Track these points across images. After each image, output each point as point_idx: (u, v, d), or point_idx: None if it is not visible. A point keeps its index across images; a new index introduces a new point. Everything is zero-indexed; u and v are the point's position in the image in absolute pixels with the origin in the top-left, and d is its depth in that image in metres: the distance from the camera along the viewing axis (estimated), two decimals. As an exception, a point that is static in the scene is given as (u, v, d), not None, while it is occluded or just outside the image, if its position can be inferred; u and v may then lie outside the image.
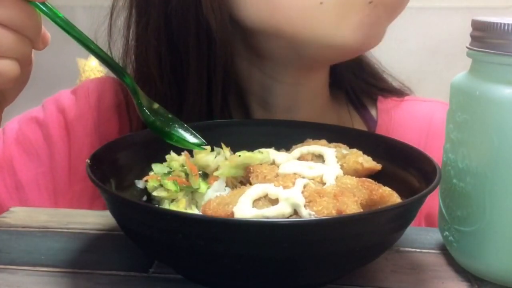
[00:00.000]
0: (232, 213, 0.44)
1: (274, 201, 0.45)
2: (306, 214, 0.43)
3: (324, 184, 0.48)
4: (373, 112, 0.79)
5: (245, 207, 0.44)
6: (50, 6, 0.49)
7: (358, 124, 0.77)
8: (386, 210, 0.44)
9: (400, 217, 0.44)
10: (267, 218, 0.43)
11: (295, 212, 0.44)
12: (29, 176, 0.71)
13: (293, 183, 0.46)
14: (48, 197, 0.72)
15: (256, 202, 0.45)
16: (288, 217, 0.44)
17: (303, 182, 0.46)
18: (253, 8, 0.63)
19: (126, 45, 0.70)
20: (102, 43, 0.67)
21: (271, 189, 0.45)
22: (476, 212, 0.47)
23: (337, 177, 0.49)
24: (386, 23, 0.65)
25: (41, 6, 0.49)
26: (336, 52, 0.65)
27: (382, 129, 0.76)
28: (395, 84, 0.81)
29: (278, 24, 0.62)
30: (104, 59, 0.53)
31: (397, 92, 0.81)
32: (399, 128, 0.76)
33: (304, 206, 0.44)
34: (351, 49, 0.65)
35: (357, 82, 0.79)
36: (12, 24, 0.47)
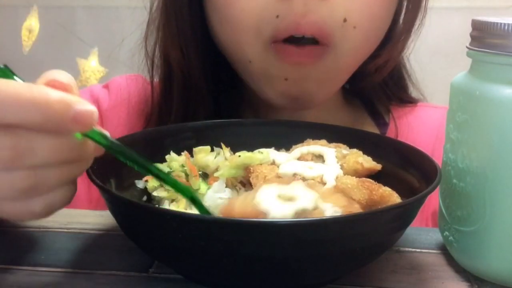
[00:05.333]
0: (262, 212, 0.43)
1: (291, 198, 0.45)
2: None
3: (324, 184, 0.48)
4: (386, 116, 0.80)
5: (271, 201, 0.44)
6: (98, 131, 0.42)
7: (371, 129, 0.78)
8: (386, 210, 0.44)
9: (400, 217, 0.44)
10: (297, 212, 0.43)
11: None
12: None
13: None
14: (81, 181, 0.73)
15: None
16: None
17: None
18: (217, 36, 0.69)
19: (154, 43, 0.74)
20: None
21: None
22: (476, 212, 0.47)
23: (337, 177, 0.49)
24: (324, 90, 0.67)
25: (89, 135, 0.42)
26: None
27: (392, 133, 0.77)
28: (413, 89, 0.82)
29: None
30: (166, 179, 0.46)
31: (412, 101, 0.81)
32: (410, 132, 0.77)
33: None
34: (284, 108, 0.69)
35: (377, 91, 0.80)
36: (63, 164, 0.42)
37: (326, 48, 0.63)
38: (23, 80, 0.42)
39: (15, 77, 0.42)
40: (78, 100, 0.40)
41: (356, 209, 0.45)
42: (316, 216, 0.43)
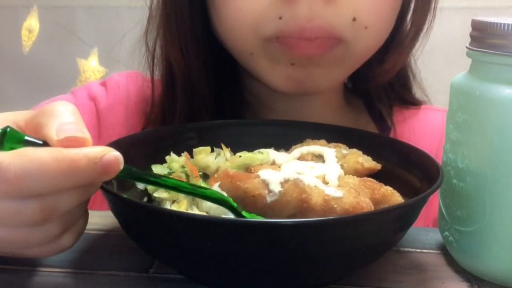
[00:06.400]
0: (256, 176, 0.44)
1: None
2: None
3: (327, 183, 0.48)
4: (388, 120, 0.79)
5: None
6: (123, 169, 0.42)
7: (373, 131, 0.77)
8: (389, 209, 0.44)
9: (404, 217, 0.44)
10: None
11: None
12: None
13: None
14: None
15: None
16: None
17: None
18: (217, 32, 0.68)
19: (155, 39, 0.73)
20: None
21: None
22: (476, 212, 0.47)
23: (339, 177, 0.49)
24: (331, 77, 0.66)
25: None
26: None
27: (395, 136, 0.77)
28: (417, 90, 0.81)
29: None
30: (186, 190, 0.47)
31: (415, 103, 0.81)
32: (413, 136, 0.76)
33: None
34: (289, 94, 0.68)
35: (380, 92, 0.79)
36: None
37: (338, 41, 0.62)
38: (31, 137, 0.41)
39: (26, 137, 0.41)
40: (101, 151, 0.40)
41: (366, 201, 0.45)
42: (314, 191, 0.44)
